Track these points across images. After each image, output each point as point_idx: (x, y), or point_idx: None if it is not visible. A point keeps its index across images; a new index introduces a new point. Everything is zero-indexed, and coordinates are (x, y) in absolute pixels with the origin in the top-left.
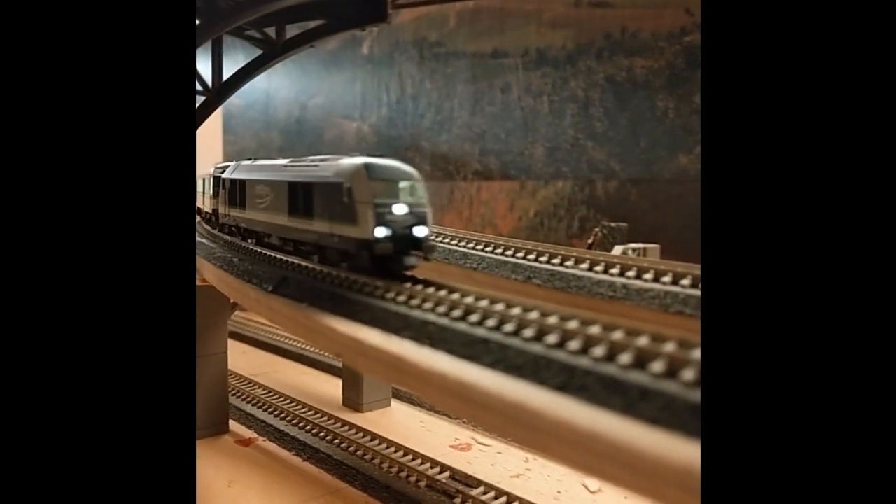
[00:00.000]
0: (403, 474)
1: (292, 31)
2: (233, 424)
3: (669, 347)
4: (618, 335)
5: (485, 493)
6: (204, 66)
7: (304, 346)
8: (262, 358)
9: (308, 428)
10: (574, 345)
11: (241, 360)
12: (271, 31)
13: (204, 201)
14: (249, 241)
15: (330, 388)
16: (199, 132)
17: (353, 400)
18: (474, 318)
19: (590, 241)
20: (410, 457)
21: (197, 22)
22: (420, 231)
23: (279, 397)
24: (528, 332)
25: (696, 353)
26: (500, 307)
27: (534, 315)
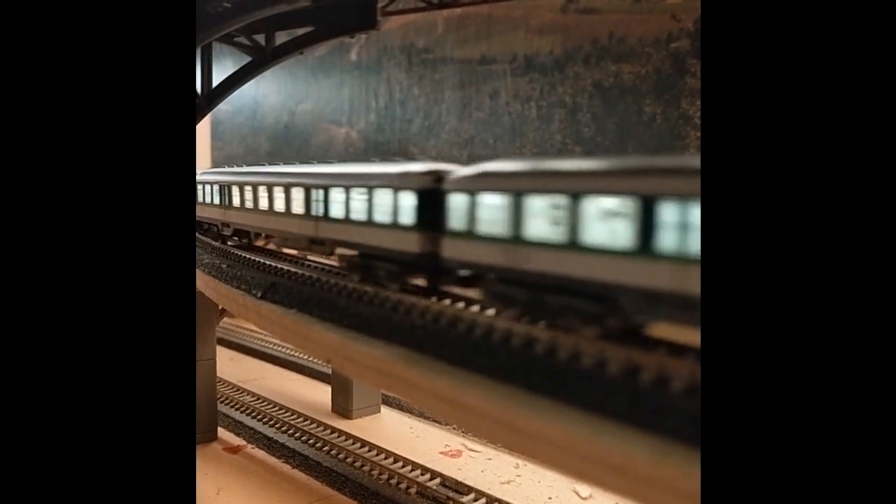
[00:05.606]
0: (393, 481)
1: (281, 38)
2: (221, 432)
3: None
4: None
5: (475, 499)
6: None
7: (293, 353)
8: (251, 364)
9: (297, 435)
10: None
11: (230, 366)
12: (260, 39)
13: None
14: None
15: (319, 394)
16: None
17: (342, 406)
18: (462, 325)
19: None
20: (400, 463)
21: None
22: None
23: (268, 404)
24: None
25: None
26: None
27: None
